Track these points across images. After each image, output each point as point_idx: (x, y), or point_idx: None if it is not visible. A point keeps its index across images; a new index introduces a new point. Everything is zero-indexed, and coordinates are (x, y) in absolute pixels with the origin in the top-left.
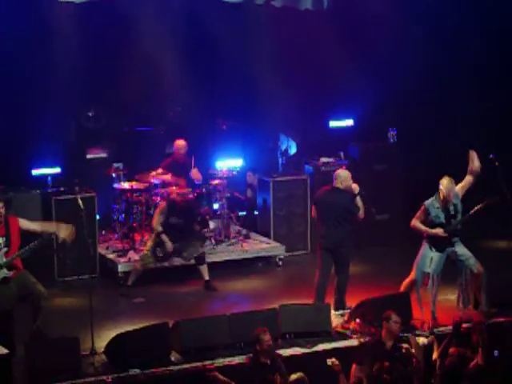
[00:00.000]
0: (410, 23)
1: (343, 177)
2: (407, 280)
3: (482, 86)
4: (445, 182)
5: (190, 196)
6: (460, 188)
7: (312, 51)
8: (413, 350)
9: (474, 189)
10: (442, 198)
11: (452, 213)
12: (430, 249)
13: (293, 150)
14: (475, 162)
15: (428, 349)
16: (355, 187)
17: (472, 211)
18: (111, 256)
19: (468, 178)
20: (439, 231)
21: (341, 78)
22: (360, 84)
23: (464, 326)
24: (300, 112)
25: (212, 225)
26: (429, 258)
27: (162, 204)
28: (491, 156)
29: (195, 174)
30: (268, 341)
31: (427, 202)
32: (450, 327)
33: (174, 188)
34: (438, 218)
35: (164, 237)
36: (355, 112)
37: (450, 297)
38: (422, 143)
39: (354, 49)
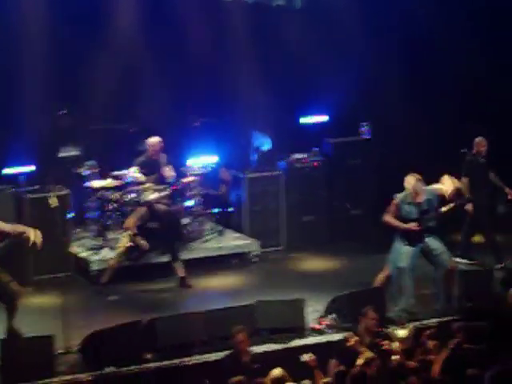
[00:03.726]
0: (382, 18)
1: None
2: (381, 275)
3: (457, 81)
4: (411, 180)
5: (166, 192)
6: (445, 188)
7: (285, 47)
8: (396, 344)
9: None
10: (413, 194)
11: (425, 208)
12: (403, 243)
13: (266, 147)
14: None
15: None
16: None
17: (444, 208)
18: (85, 254)
19: (454, 183)
20: (412, 225)
21: (314, 73)
22: (333, 80)
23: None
24: (273, 108)
25: (186, 222)
26: (402, 253)
27: (143, 209)
28: (464, 150)
29: (168, 172)
30: (245, 339)
31: (399, 196)
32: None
33: (148, 185)
34: (410, 213)
35: (139, 239)
36: (329, 108)
37: (425, 291)
38: (395, 138)
39: (327, 44)
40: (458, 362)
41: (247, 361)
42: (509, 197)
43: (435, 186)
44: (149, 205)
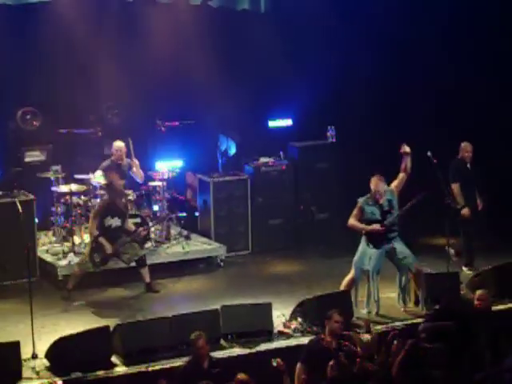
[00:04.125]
0: (347, 22)
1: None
2: (347, 278)
3: (423, 84)
4: (373, 181)
5: (130, 197)
6: (395, 186)
7: (250, 51)
8: (358, 348)
9: (415, 186)
10: (374, 196)
11: (386, 209)
12: (368, 246)
13: (232, 151)
14: (408, 162)
15: (372, 344)
16: None
17: (405, 206)
18: (51, 259)
19: (401, 176)
20: (376, 227)
21: (279, 77)
22: (298, 84)
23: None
24: (239, 112)
25: (152, 226)
26: (367, 256)
27: (96, 207)
28: (429, 153)
29: (137, 172)
30: (205, 344)
31: (361, 200)
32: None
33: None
34: (373, 214)
35: (102, 239)
36: (294, 112)
37: (391, 294)
38: (360, 142)
39: (292, 48)
40: (414, 362)
41: (207, 366)
42: (479, 208)
43: (393, 184)
44: (107, 203)
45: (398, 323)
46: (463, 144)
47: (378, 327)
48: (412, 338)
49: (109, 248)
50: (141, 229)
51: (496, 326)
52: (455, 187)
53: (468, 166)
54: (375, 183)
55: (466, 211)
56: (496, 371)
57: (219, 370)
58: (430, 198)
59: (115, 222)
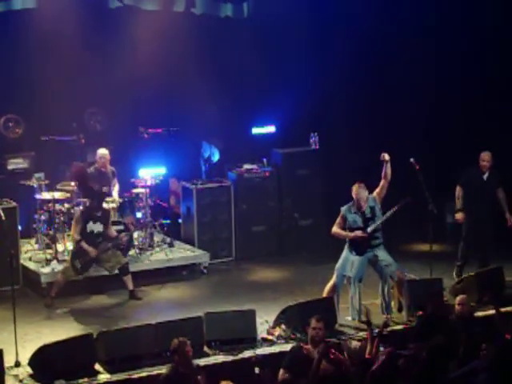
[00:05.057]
0: (329, 29)
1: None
2: (329, 284)
3: (404, 91)
4: (354, 188)
5: (113, 205)
6: (377, 193)
7: (233, 58)
8: (345, 354)
9: (397, 192)
10: (356, 203)
11: (368, 216)
12: (351, 252)
13: (216, 157)
14: (387, 169)
15: (361, 351)
16: None
17: (387, 213)
18: (34, 267)
19: (382, 182)
20: (358, 233)
21: (263, 84)
22: (282, 90)
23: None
24: (222, 119)
25: (136, 234)
26: (350, 262)
27: (78, 212)
28: (412, 160)
29: (115, 195)
30: (187, 351)
31: (343, 208)
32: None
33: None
34: (355, 222)
35: (84, 244)
36: (277, 118)
37: (375, 301)
38: (343, 148)
39: (276, 55)
40: (389, 371)
41: (190, 373)
42: (508, 223)
43: (376, 192)
44: (89, 208)
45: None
46: (482, 153)
47: (362, 334)
48: (394, 345)
49: (92, 252)
50: (122, 234)
51: (477, 332)
52: (457, 190)
53: (484, 176)
54: (356, 191)
55: (459, 215)
56: (461, 374)
57: (202, 376)
58: (412, 204)
59: (97, 227)
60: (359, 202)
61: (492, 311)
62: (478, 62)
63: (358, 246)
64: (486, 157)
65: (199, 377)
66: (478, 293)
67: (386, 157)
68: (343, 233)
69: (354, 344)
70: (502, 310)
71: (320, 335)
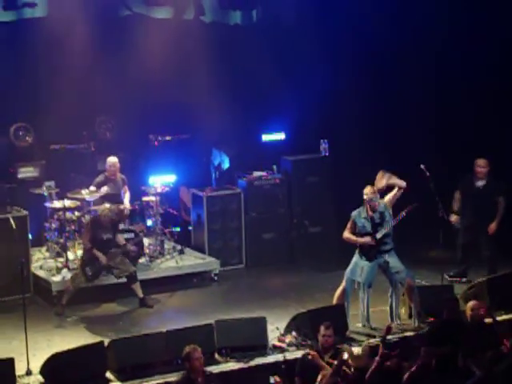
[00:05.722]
0: (339, 34)
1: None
2: (339, 289)
3: (417, 98)
4: (366, 191)
5: (126, 212)
6: (388, 200)
7: (243, 65)
8: (348, 360)
9: (406, 199)
10: (367, 207)
11: (377, 221)
12: (361, 258)
13: (226, 165)
14: (398, 181)
15: (363, 357)
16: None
17: (396, 217)
18: (45, 275)
19: (395, 191)
20: (367, 239)
21: (273, 91)
22: (291, 97)
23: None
24: (232, 126)
25: (146, 241)
26: (359, 267)
27: (88, 220)
28: (422, 166)
29: (125, 196)
30: (198, 358)
31: (354, 213)
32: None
33: (107, 205)
34: (364, 227)
35: (95, 252)
36: (287, 125)
37: (385, 307)
38: (353, 155)
39: (285, 62)
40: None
41: (202, 381)
42: (489, 231)
43: (387, 198)
44: (98, 215)
45: (389, 336)
46: (477, 160)
47: (371, 340)
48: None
49: (103, 259)
50: (129, 244)
51: (488, 338)
52: (455, 193)
53: (479, 183)
54: (368, 192)
55: (453, 218)
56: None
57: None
58: (423, 210)
59: (106, 234)
60: (371, 204)
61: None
62: (498, 66)
63: (368, 252)
64: (480, 163)
65: None
66: (489, 299)
67: (389, 178)
68: (353, 238)
69: (357, 351)
70: None
71: (329, 342)
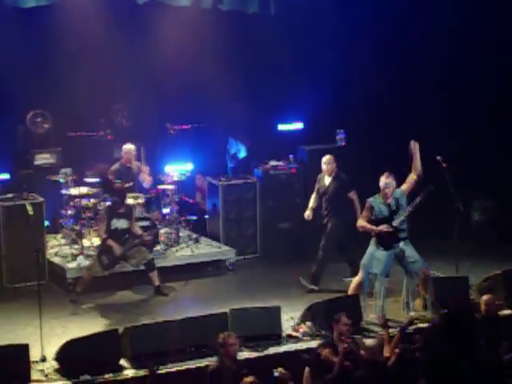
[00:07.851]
0: (357, 24)
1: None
2: (354, 281)
3: (433, 87)
4: (382, 177)
5: (140, 200)
6: (405, 186)
7: (260, 55)
8: (361, 352)
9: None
10: (383, 193)
11: (394, 208)
12: (378, 248)
13: (242, 154)
14: (417, 162)
15: (376, 348)
16: None
17: (412, 203)
18: (60, 262)
19: (410, 177)
20: (383, 227)
21: (289, 81)
22: (309, 87)
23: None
24: (249, 115)
25: (162, 230)
26: (376, 259)
27: (102, 210)
28: (438, 157)
29: (144, 176)
30: (233, 345)
31: (370, 199)
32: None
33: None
34: (381, 212)
35: (110, 241)
36: (304, 115)
37: (399, 298)
38: (370, 145)
39: (302, 52)
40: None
41: (235, 366)
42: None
43: (403, 187)
44: (112, 204)
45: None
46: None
47: (381, 333)
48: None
49: (117, 249)
50: (145, 233)
51: (501, 332)
52: None
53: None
54: (384, 180)
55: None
56: None
57: (246, 371)
58: (438, 201)
59: (121, 224)
60: (386, 190)
61: None
62: None
63: (386, 240)
64: (324, 159)
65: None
66: (505, 291)
67: (416, 146)
68: (369, 226)
69: (369, 342)
70: None
71: (350, 332)
